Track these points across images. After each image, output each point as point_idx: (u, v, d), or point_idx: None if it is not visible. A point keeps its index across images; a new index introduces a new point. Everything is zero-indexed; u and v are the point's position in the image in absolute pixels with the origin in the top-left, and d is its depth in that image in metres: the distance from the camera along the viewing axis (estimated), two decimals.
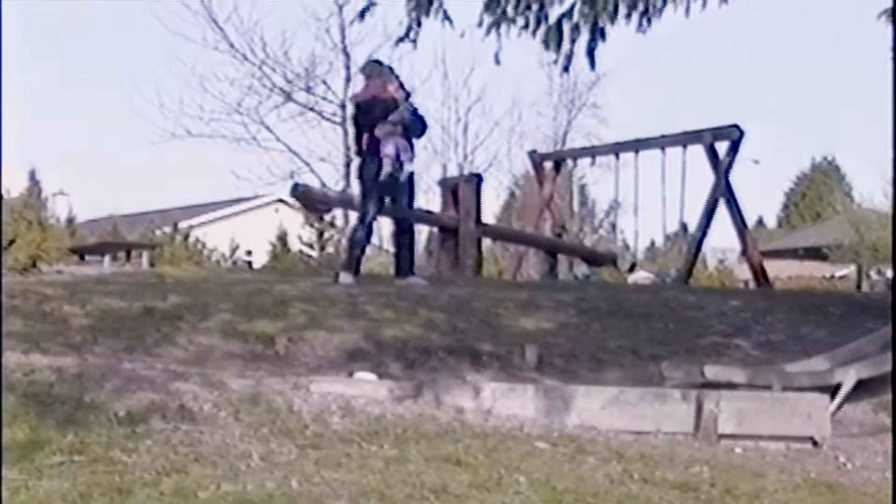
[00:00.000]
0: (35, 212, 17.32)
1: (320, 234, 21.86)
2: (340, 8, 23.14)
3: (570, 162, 19.50)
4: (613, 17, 6.54)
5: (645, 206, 16.51)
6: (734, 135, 14.12)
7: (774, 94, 60.34)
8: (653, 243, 32.29)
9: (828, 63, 61.74)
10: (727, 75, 60.22)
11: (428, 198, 21.65)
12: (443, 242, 14.36)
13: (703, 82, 58.05)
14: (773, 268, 20.53)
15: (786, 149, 64.02)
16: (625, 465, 5.06)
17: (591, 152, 18.85)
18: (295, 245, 23.27)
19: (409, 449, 4.95)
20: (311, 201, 14.41)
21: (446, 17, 6.93)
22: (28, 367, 5.51)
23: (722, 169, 14.11)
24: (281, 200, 31.05)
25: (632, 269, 18.62)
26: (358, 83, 10.46)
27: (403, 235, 10.50)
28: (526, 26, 6.73)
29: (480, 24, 6.80)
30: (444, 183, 15.90)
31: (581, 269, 18.01)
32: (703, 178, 14.43)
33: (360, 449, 4.91)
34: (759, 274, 14.55)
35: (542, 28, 6.75)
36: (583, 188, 32.08)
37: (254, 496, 4.13)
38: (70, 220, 25.54)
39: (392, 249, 11.49)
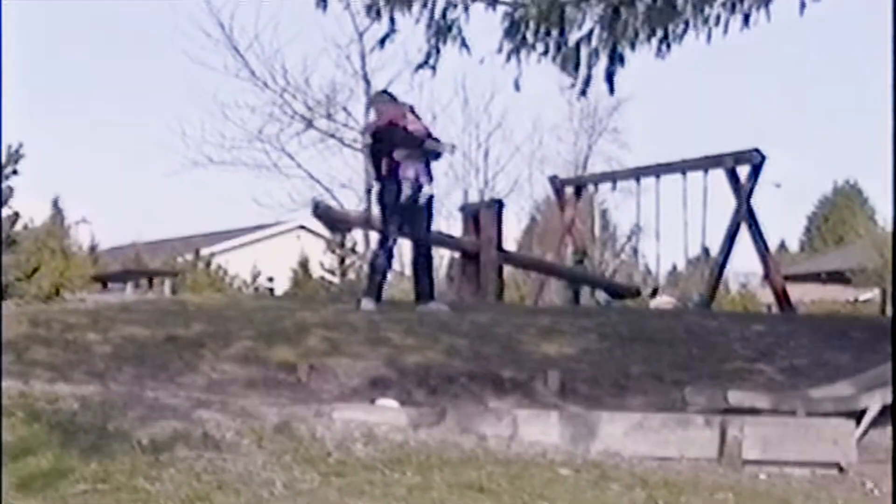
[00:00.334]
0: (58, 240, 17.43)
1: (342, 261, 21.88)
2: (361, 35, 23.25)
3: (591, 187, 19.48)
4: (634, 43, 6.55)
5: (666, 231, 16.47)
6: (755, 159, 14.08)
7: (796, 117, 60.17)
8: (675, 268, 32.13)
9: (849, 86, 61.58)
10: (748, 99, 60.11)
11: (449, 224, 21.69)
12: (464, 268, 14.35)
13: (723, 106, 57.97)
14: (796, 291, 20.46)
15: (808, 172, 63.79)
16: (649, 492, 5.03)
17: (612, 177, 18.83)
18: (317, 271, 23.28)
19: (433, 476, 4.94)
20: (331, 220, 14.46)
21: (465, 43, 6.97)
22: (52, 396, 5.54)
23: (743, 193, 14.08)
24: (302, 227, 31.12)
25: (654, 293, 18.55)
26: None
27: (422, 260, 10.50)
28: (546, 52, 6.75)
29: (500, 50, 6.83)
30: (465, 209, 15.91)
31: (603, 294, 17.93)
32: (724, 203, 14.41)
33: (384, 476, 4.91)
34: (782, 298, 14.48)
35: (562, 53, 6.76)
36: (604, 213, 32.04)
37: None
38: (93, 248, 25.63)
39: (411, 275, 11.51)
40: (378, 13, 6.94)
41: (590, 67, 6.79)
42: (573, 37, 6.76)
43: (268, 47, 24.61)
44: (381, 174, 10.12)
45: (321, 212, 13.61)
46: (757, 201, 14.22)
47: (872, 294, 32.20)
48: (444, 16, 6.92)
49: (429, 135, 10.29)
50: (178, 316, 8.91)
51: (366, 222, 14.39)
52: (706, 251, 15.62)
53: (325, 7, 7.03)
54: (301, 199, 25.25)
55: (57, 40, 46.44)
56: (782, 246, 53.31)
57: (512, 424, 5.87)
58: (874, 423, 6.53)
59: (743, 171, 14.18)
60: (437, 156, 10.42)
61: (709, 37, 6.47)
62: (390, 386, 7.25)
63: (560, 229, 17.64)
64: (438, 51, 7.08)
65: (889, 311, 26.12)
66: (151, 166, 54.63)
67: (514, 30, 6.70)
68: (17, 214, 12.40)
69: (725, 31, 6.47)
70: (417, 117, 10.43)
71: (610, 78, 6.85)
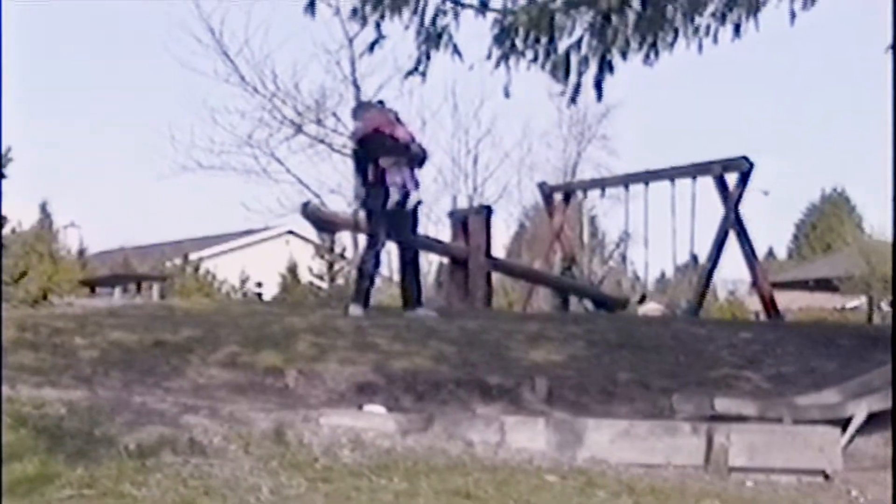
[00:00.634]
0: (46, 244, 17.39)
1: (330, 266, 21.92)
2: (351, 41, 23.22)
3: (579, 193, 19.53)
4: (625, 52, 6.57)
5: (655, 238, 16.52)
6: (743, 166, 14.14)
7: (784, 125, 60.38)
8: (663, 275, 32.24)
9: (837, 94, 61.81)
10: (736, 107, 60.29)
11: (438, 229, 21.68)
12: (452, 274, 14.36)
13: (712, 114, 58.16)
14: (784, 299, 20.51)
15: (796, 180, 63.97)
16: (635, 499, 5.04)
17: (601, 184, 18.87)
18: (305, 277, 23.31)
19: (419, 482, 4.94)
20: (320, 221, 14.46)
21: (456, 50, 6.98)
22: (39, 401, 5.52)
23: (731, 200, 14.13)
24: (291, 232, 31.12)
25: (642, 300, 18.58)
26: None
27: (409, 266, 10.52)
28: (535, 59, 6.76)
29: (490, 56, 6.84)
30: (454, 215, 15.92)
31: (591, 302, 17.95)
32: (713, 210, 14.46)
33: (370, 482, 4.91)
34: (770, 305, 14.52)
35: (551, 60, 6.77)
36: (593, 220, 32.06)
37: None
38: (81, 253, 25.62)
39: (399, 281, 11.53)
40: (364, 19, 6.94)
41: (580, 75, 6.80)
42: (563, 44, 6.76)
43: (258, 52, 24.58)
44: (367, 181, 10.14)
45: (310, 213, 13.62)
46: (745, 209, 14.31)
47: (859, 302, 32.33)
48: (434, 22, 6.93)
49: (413, 140, 10.34)
50: (166, 321, 8.90)
51: (354, 224, 14.41)
52: (695, 258, 15.66)
53: (313, 13, 7.03)
54: (290, 204, 25.19)
55: (46, 44, 46.39)
56: (770, 253, 53.53)
57: (499, 431, 5.87)
58: (860, 430, 6.55)
59: (731, 179, 14.24)
60: (423, 162, 10.45)
61: (700, 47, 6.49)
62: (378, 392, 7.25)
63: (549, 236, 17.67)
64: (429, 57, 7.08)
65: (875, 318, 26.22)
66: (141, 171, 54.65)
67: (503, 37, 6.71)
68: (4, 218, 12.37)
69: (715, 41, 6.49)
70: (402, 124, 10.47)
71: (599, 85, 6.86)
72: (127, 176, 53.63)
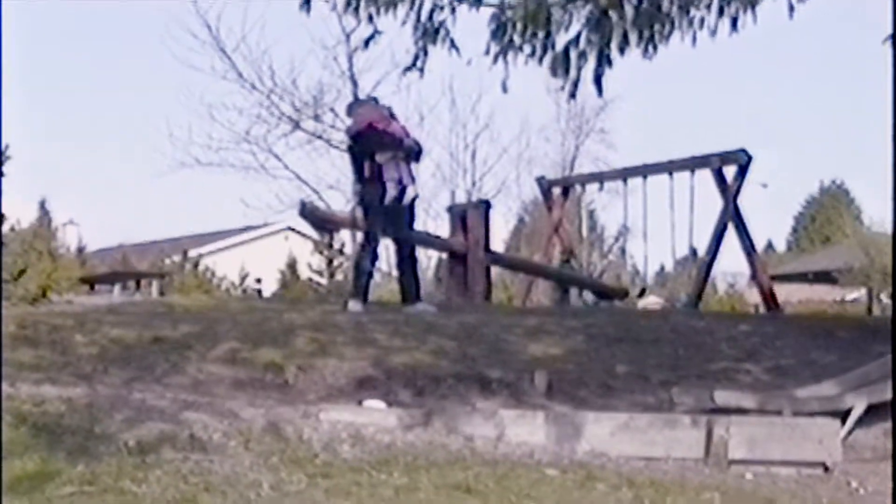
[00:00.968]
0: (45, 242, 17.35)
1: (329, 262, 21.89)
2: (348, 36, 23.12)
3: (578, 188, 19.52)
4: (623, 46, 6.56)
5: (654, 231, 16.52)
6: (742, 159, 14.14)
7: (782, 117, 60.36)
8: (662, 268, 32.21)
9: (835, 87, 61.83)
10: (735, 100, 60.30)
11: (437, 224, 21.67)
12: (452, 269, 14.36)
13: (711, 107, 58.16)
14: (783, 292, 20.52)
15: (794, 172, 63.96)
16: (635, 492, 5.04)
17: (600, 178, 18.88)
18: (304, 273, 23.28)
19: (420, 477, 4.95)
20: (318, 220, 14.46)
21: (453, 45, 6.97)
22: (38, 398, 5.53)
23: (730, 193, 14.13)
24: (290, 228, 31.09)
25: (641, 294, 18.58)
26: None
27: (407, 261, 10.53)
28: (533, 54, 6.76)
29: (487, 52, 6.83)
30: (452, 210, 15.92)
31: (591, 294, 17.96)
32: (712, 203, 14.46)
33: (370, 477, 4.91)
34: (769, 298, 14.53)
35: (549, 55, 6.77)
36: (591, 213, 32.04)
37: None
38: (80, 250, 25.58)
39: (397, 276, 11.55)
40: (357, 12, 6.92)
41: (578, 70, 6.80)
42: (561, 39, 6.76)
43: (255, 48, 24.49)
44: (363, 177, 10.15)
45: (307, 212, 13.63)
46: (744, 201, 14.30)
47: (859, 294, 32.33)
48: (430, 18, 6.92)
49: (407, 136, 10.35)
50: (166, 318, 8.90)
51: (352, 222, 14.43)
52: (694, 251, 15.65)
53: (308, 9, 7.02)
54: (289, 200, 25.16)
55: (44, 42, 46.35)
56: (769, 246, 53.51)
57: (499, 425, 5.88)
58: (860, 422, 6.56)
59: (729, 172, 14.24)
60: (418, 156, 10.47)
61: (694, 39, 6.48)
62: (377, 387, 7.25)
63: (548, 230, 17.66)
64: (426, 53, 7.07)
65: (875, 310, 26.23)
66: (139, 168, 54.59)
67: (500, 32, 6.70)
68: (2, 216, 12.37)
69: (713, 34, 6.48)
70: (396, 119, 10.48)
71: (598, 80, 6.85)
72: (125, 173, 53.65)
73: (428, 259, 22.87)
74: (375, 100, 11.04)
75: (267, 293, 22.91)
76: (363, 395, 6.98)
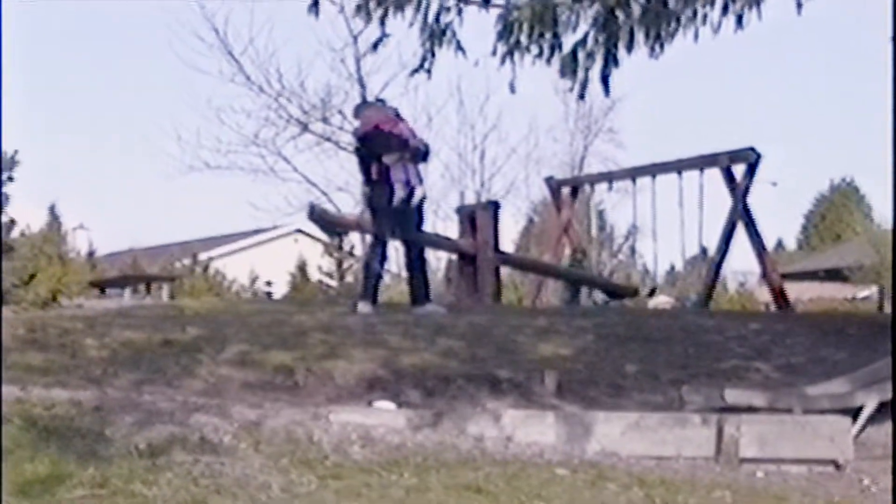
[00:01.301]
0: (55, 246, 17.43)
1: (339, 264, 21.93)
2: (355, 38, 23.14)
3: (587, 187, 19.50)
4: (630, 44, 6.55)
5: (664, 231, 16.48)
6: (751, 157, 14.10)
7: (791, 115, 60.26)
8: (672, 267, 32.16)
9: (845, 84, 61.68)
10: (744, 98, 60.20)
11: (446, 226, 21.65)
12: (461, 270, 14.35)
13: (719, 105, 58.04)
14: (794, 290, 20.45)
15: (804, 170, 63.84)
16: (646, 491, 5.04)
17: (608, 177, 18.84)
18: (314, 275, 23.33)
19: (430, 478, 4.95)
20: (327, 223, 14.48)
21: (459, 47, 6.96)
22: (49, 402, 5.54)
23: (739, 192, 14.09)
24: (300, 231, 31.13)
25: (652, 293, 18.57)
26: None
27: (416, 262, 10.53)
28: (540, 54, 6.74)
29: (494, 52, 6.82)
30: (461, 210, 15.92)
31: (601, 294, 17.95)
32: (721, 202, 14.43)
33: (381, 478, 4.91)
34: (780, 296, 14.49)
35: (557, 56, 6.76)
36: (601, 213, 31.98)
37: None
38: (90, 254, 25.67)
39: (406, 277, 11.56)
40: (368, 16, 6.93)
41: (586, 70, 6.78)
42: (568, 39, 6.75)
43: (262, 51, 24.52)
44: (370, 178, 10.16)
45: (317, 215, 13.64)
46: (753, 200, 14.26)
47: (870, 291, 32.24)
48: (437, 19, 6.92)
49: (414, 137, 10.37)
50: (176, 321, 8.92)
51: (361, 225, 14.45)
52: (704, 250, 15.62)
53: (317, 12, 7.02)
54: (298, 202, 25.17)
55: (52, 47, 46.45)
56: (780, 244, 53.37)
57: (509, 425, 5.88)
58: (871, 419, 6.54)
59: (738, 170, 14.20)
60: (426, 157, 10.49)
61: (696, 35, 6.46)
62: (387, 388, 7.25)
63: (557, 230, 17.65)
64: (433, 54, 7.06)
65: (887, 307, 26.16)
66: (148, 172, 54.66)
67: (507, 32, 6.69)
68: (13, 221, 12.42)
69: (717, 31, 6.46)
70: (402, 120, 10.50)
71: (605, 80, 6.83)
72: (135, 177, 53.73)
73: (437, 260, 22.87)
74: (382, 101, 11.07)
75: (277, 296, 22.96)
76: (373, 397, 6.99)
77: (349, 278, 21.42)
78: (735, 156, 14.26)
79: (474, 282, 13.83)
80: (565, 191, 17.58)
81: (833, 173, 58.93)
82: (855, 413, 6.47)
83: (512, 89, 7.02)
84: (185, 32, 24.41)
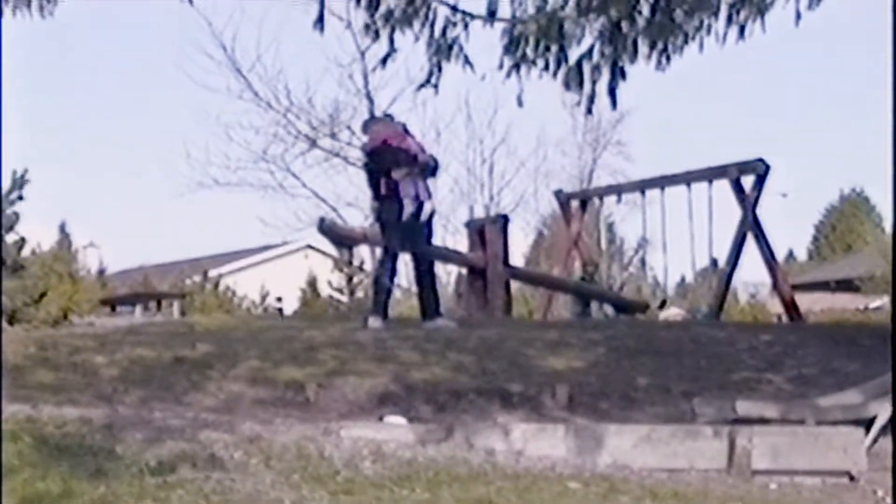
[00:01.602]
0: (66, 264, 17.44)
1: (350, 279, 21.91)
2: (363, 54, 23.27)
3: (596, 200, 19.54)
4: (634, 57, 6.55)
5: (673, 243, 16.48)
6: (760, 169, 14.10)
7: (800, 126, 60.18)
8: (683, 279, 32.14)
9: (853, 93, 61.59)
10: (752, 109, 60.15)
11: (455, 240, 21.68)
12: (471, 284, 14.36)
13: (728, 116, 58.00)
14: (805, 301, 20.42)
15: (814, 181, 63.76)
16: None
17: (617, 190, 18.85)
18: (325, 290, 23.32)
19: (441, 492, 4.94)
20: (337, 237, 14.50)
21: (467, 61, 6.98)
22: (60, 420, 5.54)
23: (749, 203, 14.09)
24: (310, 246, 31.17)
25: (662, 305, 18.54)
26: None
27: (426, 276, 10.53)
28: (546, 68, 6.75)
29: (501, 66, 6.83)
30: (470, 224, 15.93)
31: (611, 308, 17.94)
32: (731, 213, 14.42)
33: (392, 493, 4.90)
34: (791, 307, 14.47)
35: (563, 69, 6.76)
36: (610, 226, 32.01)
37: None
38: (101, 272, 25.68)
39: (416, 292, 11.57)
40: (377, 34, 6.96)
41: (593, 83, 6.79)
42: (574, 52, 6.76)
43: (270, 68, 24.70)
44: (379, 194, 10.17)
45: (326, 228, 13.68)
46: (763, 211, 14.25)
47: (882, 301, 32.14)
48: (444, 34, 6.93)
49: (423, 152, 10.38)
50: (186, 337, 8.93)
51: (371, 238, 14.47)
52: (714, 262, 15.61)
53: (322, 27, 7.05)
54: (307, 218, 25.30)
55: (61, 65, 46.66)
56: (791, 255, 53.30)
57: (520, 439, 5.86)
58: (884, 430, 6.50)
59: (748, 182, 14.20)
60: (434, 172, 10.50)
61: (701, 46, 6.46)
62: (398, 403, 7.25)
63: (566, 243, 17.65)
64: (440, 69, 7.08)
65: None
66: (158, 189, 54.81)
67: (513, 46, 6.70)
68: (23, 240, 12.45)
69: (723, 41, 6.46)
70: (411, 135, 10.51)
71: (612, 92, 6.83)
72: (145, 194, 53.84)
73: (447, 274, 22.88)
74: (390, 116, 11.08)
75: (288, 311, 22.96)
76: (384, 412, 6.98)
77: (359, 293, 21.41)
78: (744, 167, 14.26)
79: (484, 296, 13.84)
80: (574, 204, 17.59)
81: (843, 183, 58.86)
82: (868, 424, 6.44)
83: (519, 103, 7.04)
84: (193, 50, 24.54)
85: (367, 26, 7.04)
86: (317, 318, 14.40)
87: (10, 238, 11.92)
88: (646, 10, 6.54)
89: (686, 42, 6.48)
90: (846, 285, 33.89)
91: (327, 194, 25.46)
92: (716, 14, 6.35)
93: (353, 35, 21.59)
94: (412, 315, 12.87)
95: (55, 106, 43.80)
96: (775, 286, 15.29)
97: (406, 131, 10.46)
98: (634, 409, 7.29)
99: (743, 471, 5.87)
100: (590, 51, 6.72)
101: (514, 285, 16.35)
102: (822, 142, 62.01)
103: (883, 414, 6.54)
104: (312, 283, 24.40)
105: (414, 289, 11.95)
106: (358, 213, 24.63)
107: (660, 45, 6.51)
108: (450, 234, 23.55)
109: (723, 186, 14.48)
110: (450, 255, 15.21)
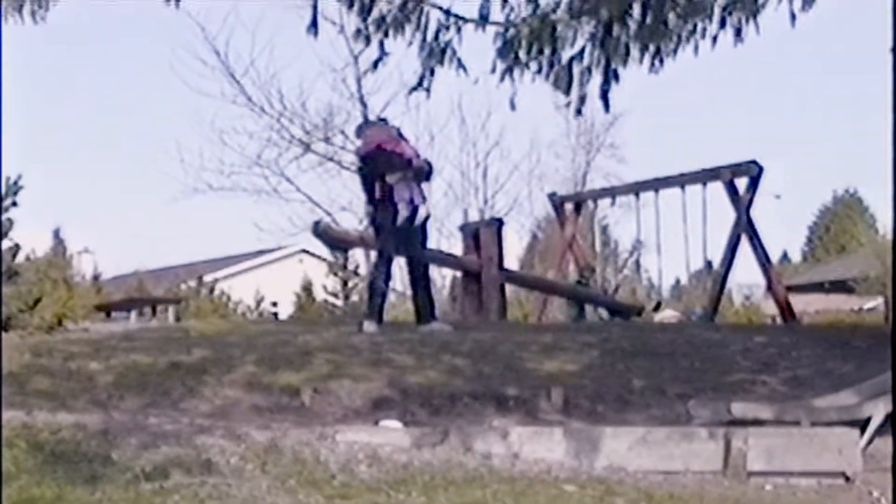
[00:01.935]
0: (60, 270, 17.42)
1: (345, 283, 21.88)
2: (356, 58, 23.24)
3: (590, 203, 19.56)
4: (625, 60, 6.57)
5: (668, 245, 16.52)
6: (753, 171, 14.12)
7: (793, 127, 60.27)
8: (678, 281, 32.15)
9: (846, 95, 61.72)
10: (746, 111, 60.22)
11: (450, 243, 21.68)
12: (466, 287, 14.36)
13: (721, 118, 58.08)
14: (800, 302, 20.44)
15: (807, 182, 63.84)
16: None
17: (611, 192, 18.86)
18: (320, 295, 23.29)
19: (437, 496, 4.94)
20: (331, 240, 14.50)
21: (460, 65, 6.98)
22: (55, 426, 5.54)
23: (742, 205, 14.11)
24: (305, 251, 31.14)
25: (657, 307, 18.54)
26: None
27: (420, 280, 10.53)
28: (539, 71, 6.76)
29: (494, 70, 6.84)
30: (465, 228, 15.94)
31: (605, 311, 17.93)
32: (725, 215, 14.44)
33: (388, 498, 4.90)
34: (785, 309, 14.48)
35: (555, 72, 6.77)
36: (605, 229, 31.97)
37: None
38: (96, 278, 25.66)
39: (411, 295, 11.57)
40: (368, 38, 6.96)
41: (584, 85, 6.80)
42: (566, 55, 6.76)
43: (264, 73, 24.63)
44: (374, 198, 10.17)
45: (321, 231, 13.67)
46: (757, 213, 14.27)
47: (876, 302, 32.18)
48: (437, 38, 6.94)
49: (417, 156, 10.38)
50: (181, 342, 8.91)
51: (365, 241, 14.47)
52: (709, 264, 15.63)
53: (315, 32, 7.06)
54: (302, 222, 25.26)
55: (55, 71, 46.61)
56: (785, 256, 53.34)
57: (516, 442, 5.86)
58: (879, 431, 6.52)
59: (741, 184, 14.22)
60: (429, 176, 10.50)
61: (696, 49, 6.48)
62: (393, 407, 7.25)
63: (561, 246, 17.66)
64: (433, 73, 7.08)
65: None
66: (152, 194, 54.75)
67: (506, 49, 6.71)
68: (17, 246, 12.42)
69: (714, 43, 6.47)
70: (405, 139, 10.51)
71: (605, 95, 6.85)
72: (139, 200, 53.80)
73: (442, 278, 22.86)
74: (384, 121, 11.10)
75: (283, 316, 22.95)
76: (379, 416, 6.97)
77: (354, 297, 21.39)
78: (738, 169, 14.28)
79: (479, 299, 13.83)
80: (568, 207, 17.60)
81: (836, 184, 58.94)
82: (863, 425, 6.45)
83: (512, 106, 7.05)
84: (187, 55, 24.50)
85: (358, 31, 7.05)
86: (312, 323, 14.39)
87: (4, 244, 11.88)
88: (637, 14, 6.55)
89: (679, 45, 6.49)
90: (840, 286, 33.93)
91: (321, 199, 25.43)
92: (709, 17, 6.36)
93: (347, 40, 21.58)
94: (407, 319, 12.86)
95: (49, 112, 43.77)
96: (769, 288, 15.30)
97: (400, 135, 10.46)
98: (630, 412, 7.29)
99: (738, 472, 5.88)
100: (580, 52, 6.73)
101: (509, 289, 16.37)
102: (815, 143, 62.16)
103: (878, 415, 6.55)
104: (307, 288, 24.37)
105: (409, 293, 11.95)
106: (352, 217, 24.62)
107: (652, 49, 6.52)
108: (444, 238, 23.54)
109: (717, 188, 14.51)
110: (445, 259, 15.21)
